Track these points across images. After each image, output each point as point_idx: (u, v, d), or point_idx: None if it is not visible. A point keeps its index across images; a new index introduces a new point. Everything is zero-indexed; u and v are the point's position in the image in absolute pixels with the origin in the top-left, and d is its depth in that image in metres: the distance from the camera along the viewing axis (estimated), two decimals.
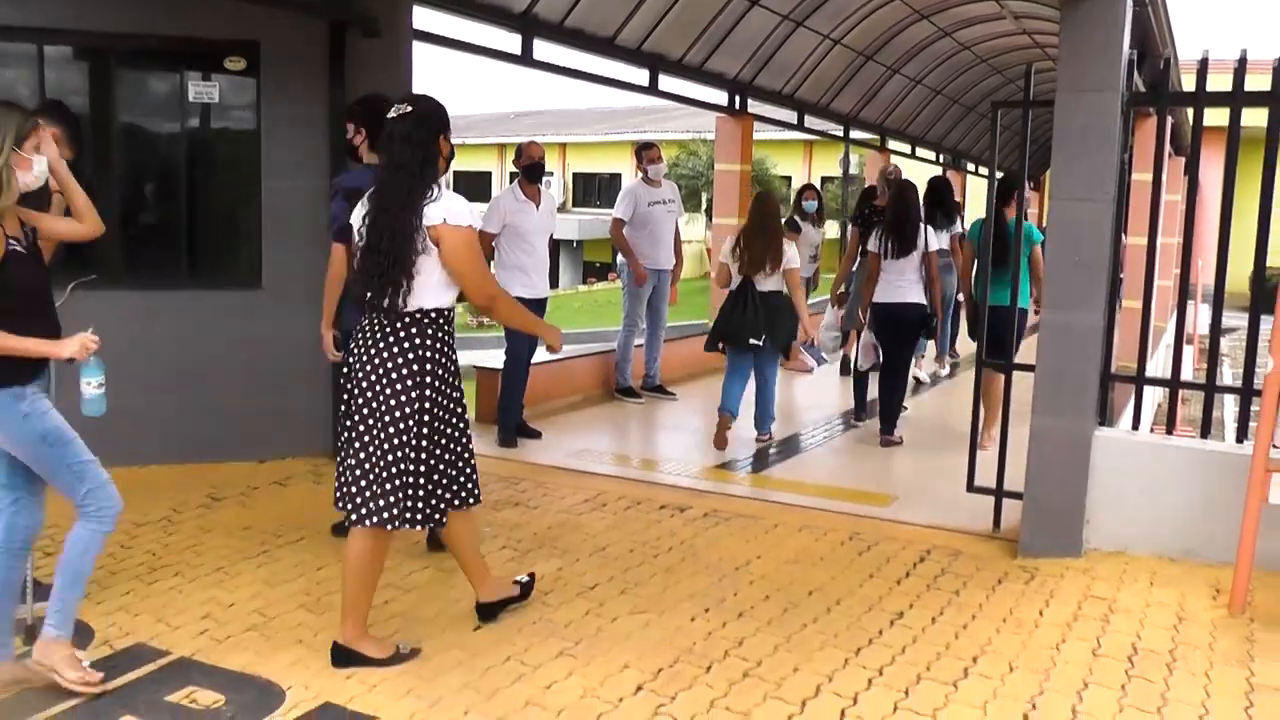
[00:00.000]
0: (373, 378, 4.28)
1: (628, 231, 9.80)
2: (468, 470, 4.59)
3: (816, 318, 10.10)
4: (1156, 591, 5.32)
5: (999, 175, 6.44)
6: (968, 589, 5.37)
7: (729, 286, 8.24)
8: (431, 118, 4.38)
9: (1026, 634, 4.82)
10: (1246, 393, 5.83)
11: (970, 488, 6.39)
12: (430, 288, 4.30)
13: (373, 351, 4.29)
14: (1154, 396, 9.69)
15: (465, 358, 6.58)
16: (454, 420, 4.50)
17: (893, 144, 18.17)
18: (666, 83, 11.29)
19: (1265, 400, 5.04)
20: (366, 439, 4.29)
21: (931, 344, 10.90)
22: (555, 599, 5.12)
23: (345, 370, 4.46)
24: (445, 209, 4.26)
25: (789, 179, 39.41)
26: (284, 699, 4.10)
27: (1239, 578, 5.09)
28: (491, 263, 8.38)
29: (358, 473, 4.31)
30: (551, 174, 45.62)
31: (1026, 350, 6.28)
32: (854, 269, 10.00)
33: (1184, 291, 6.26)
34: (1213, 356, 6.16)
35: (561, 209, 45.27)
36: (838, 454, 8.50)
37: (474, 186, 48.06)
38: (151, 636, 4.61)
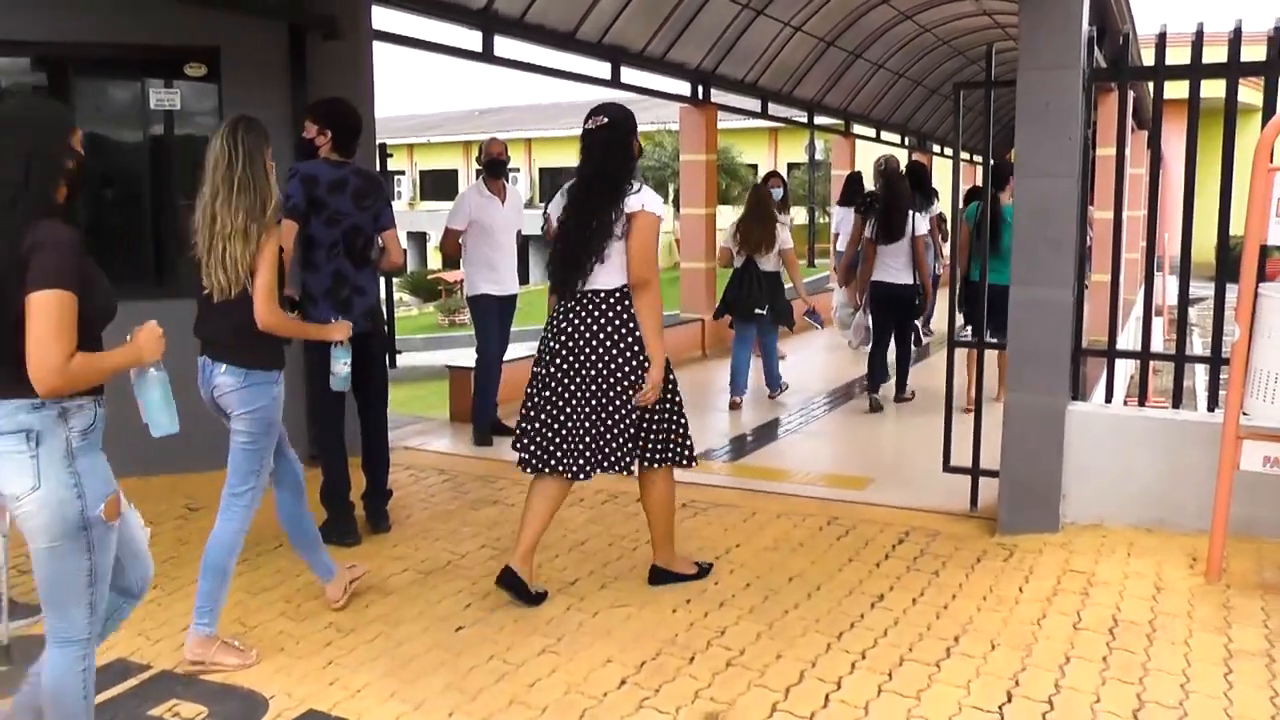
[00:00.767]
0: (591, 351, 4.85)
1: None
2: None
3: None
4: (1134, 562, 5.35)
5: (993, 162, 6.46)
6: (947, 569, 5.39)
7: (731, 266, 9.51)
8: (624, 125, 4.99)
9: (1007, 611, 4.84)
10: (1216, 362, 5.87)
11: (946, 467, 6.41)
12: (620, 269, 4.83)
13: (582, 329, 4.86)
14: (1126, 369, 9.75)
15: (436, 358, 6.54)
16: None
17: (858, 128, 18.23)
18: (629, 75, 11.30)
19: (1233, 368, 5.07)
20: (605, 403, 4.86)
21: None
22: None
23: (544, 354, 4.97)
24: (643, 199, 4.83)
25: (755, 167, 39.46)
26: (267, 708, 4.08)
27: (1214, 545, 5.13)
28: (461, 260, 8.38)
29: (615, 431, 4.88)
30: (518, 170, 45.54)
31: None
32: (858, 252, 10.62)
33: (1151, 264, 6.29)
34: (1181, 327, 6.20)
35: (529, 204, 45.16)
36: (814, 439, 8.52)
37: (439, 184, 48.02)
38: (132, 651, 4.58)
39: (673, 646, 4.53)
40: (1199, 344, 13.34)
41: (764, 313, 9.32)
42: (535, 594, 5.03)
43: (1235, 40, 5.55)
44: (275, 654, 4.53)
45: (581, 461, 4.90)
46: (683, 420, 5.14)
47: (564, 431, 4.93)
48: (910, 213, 9.36)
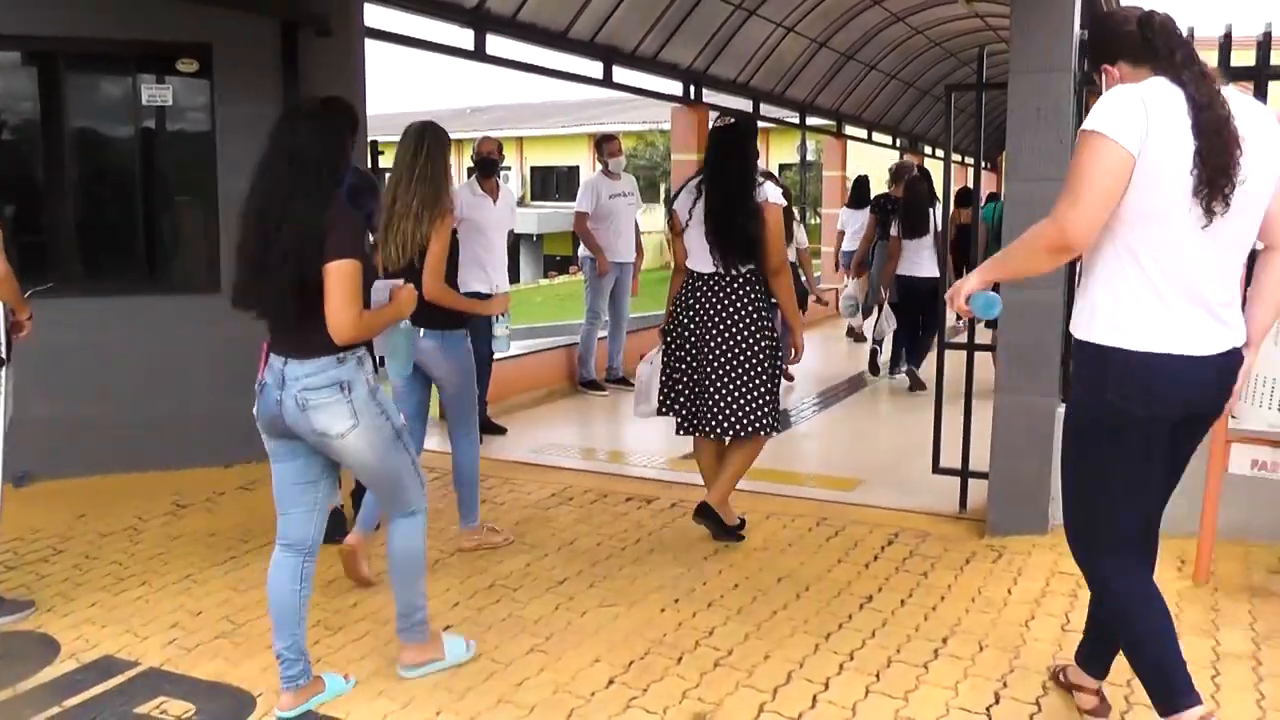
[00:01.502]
0: (735, 323, 5.59)
1: (589, 224, 9.80)
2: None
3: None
4: None
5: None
6: (936, 570, 5.40)
7: None
8: (748, 129, 6.04)
9: (996, 612, 4.85)
10: None
11: (936, 469, 6.42)
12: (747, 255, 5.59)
13: (721, 305, 5.60)
14: None
15: None
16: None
17: (849, 129, 18.24)
18: (621, 74, 11.28)
19: None
20: (738, 372, 5.58)
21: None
22: (524, 594, 5.12)
23: (682, 329, 5.70)
24: (767, 192, 5.59)
25: None
26: (255, 706, 4.07)
27: (1202, 548, 5.14)
28: None
29: (743, 400, 5.58)
30: (509, 168, 45.49)
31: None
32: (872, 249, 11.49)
33: None
34: None
35: (520, 203, 45.14)
36: (805, 439, 8.53)
37: None
38: (119, 648, 4.57)
39: (661, 646, 4.53)
40: None
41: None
42: (733, 527, 5.84)
43: (1225, 45, 5.55)
44: (263, 651, 4.51)
45: (726, 425, 5.63)
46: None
47: (705, 397, 5.65)
48: (931, 211, 10.00)
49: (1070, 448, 3.56)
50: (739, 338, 5.57)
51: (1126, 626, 3.50)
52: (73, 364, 6.79)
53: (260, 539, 5.88)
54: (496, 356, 5.98)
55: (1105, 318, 3.31)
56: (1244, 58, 5.48)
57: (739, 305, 5.58)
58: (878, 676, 4.25)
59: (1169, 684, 3.37)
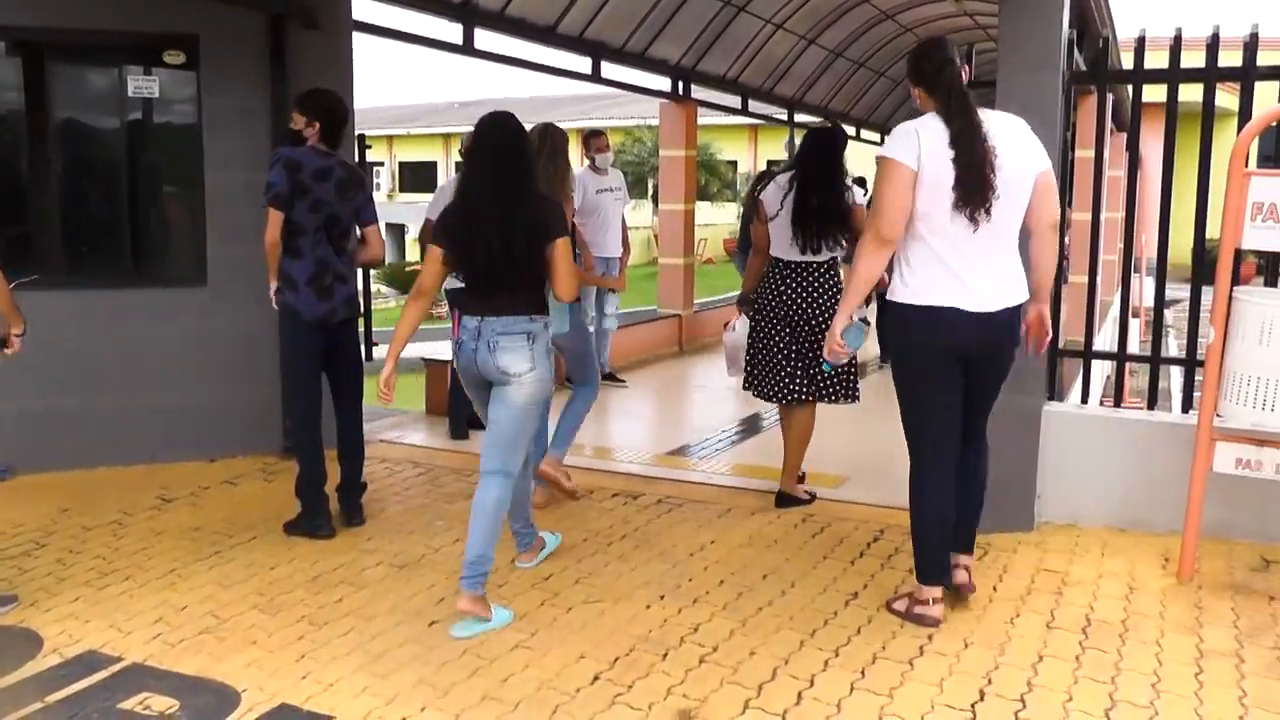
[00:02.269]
0: (825, 303, 6.20)
1: (576, 220, 9.77)
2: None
3: None
4: (1108, 562, 5.38)
5: None
6: None
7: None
8: (845, 137, 6.57)
9: (980, 609, 4.86)
10: (1190, 364, 5.90)
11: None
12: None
13: (817, 289, 6.23)
14: (1102, 369, 9.78)
15: (414, 350, 6.57)
16: None
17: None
18: (609, 70, 11.27)
19: (1208, 370, 5.10)
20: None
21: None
22: (510, 590, 5.11)
23: (767, 310, 6.31)
24: (856, 196, 6.24)
25: (734, 164, 39.47)
26: (239, 702, 4.06)
27: (1187, 546, 5.15)
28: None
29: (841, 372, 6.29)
30: None
31: None
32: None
33: (1128, 265, 6.30)
34: (1157, 329, 6.22)
35: None
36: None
37: (418, 176, 47.86)
38: (103, 643, 4.55)
39: (646, 642, 4.53)
40: (1175, 346, 13.40)
41: None
42: (807, 496, 6.44)
43: (1213, 46, 5.57)
44: (247, 647, 4.50)
45: (804, 395, 6.31)
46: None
47: (792, 370, 6.30)
48: None
49: (896, 378, 4.80)
50: (828, 317, 6.00)
51: (918, 503, 4.75)
52: (56, 357, 6.76)
53: (245, 534, 5.87)
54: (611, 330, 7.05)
55: (909, 284, 4.51)
56: (1232, 58, 5.49)
57: (827, 289, 6.21)
58: (863, 673, 4.25)
59: (931, 559, 4.73)
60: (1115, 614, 4.79)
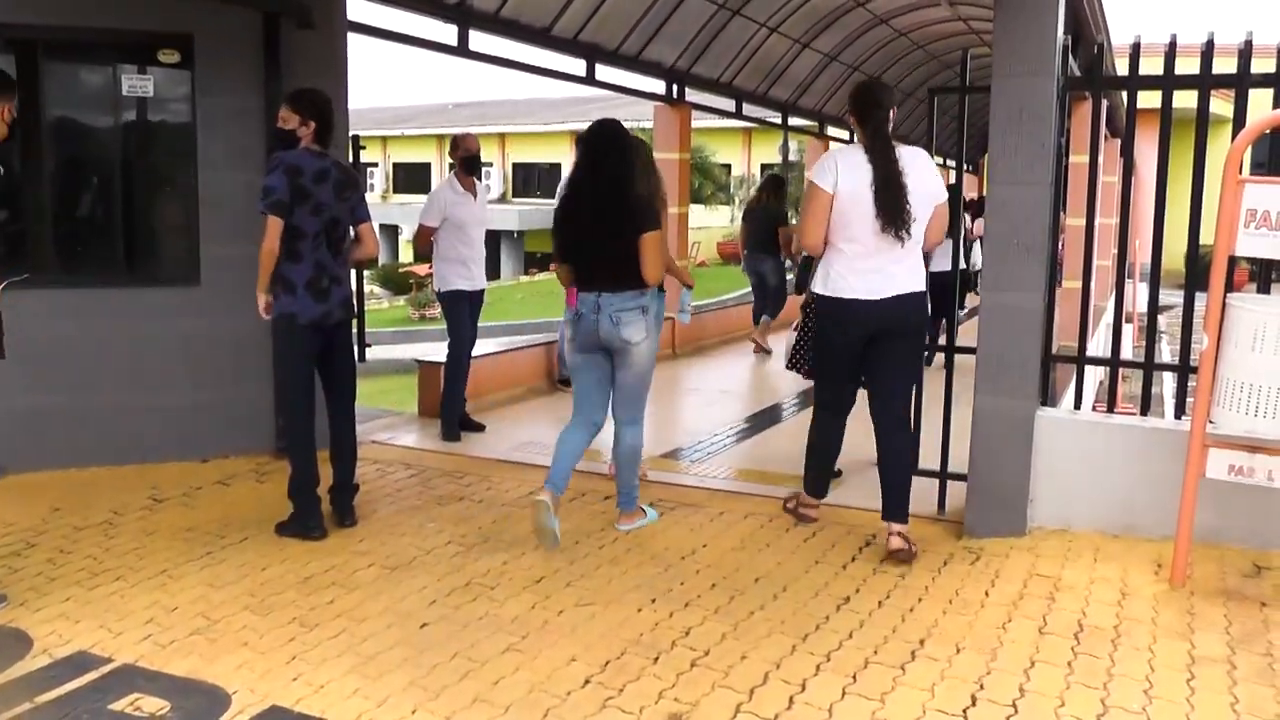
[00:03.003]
0: None
1: None
2: None
3: None
4: (1100, 567, 5.38)
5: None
6: (913, 571, 5.41)
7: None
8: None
9: (973, 614, 4.86)
10: (1184, 370, 5.90)
11: (914, 471, 6.41)
12: None
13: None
14: (1095, 375, 9.80)
15: (407, 351, 6.52)
16: None
17: (831, 130, 18.25)
18: (603, 72, 11.27)
19: (1201, 376, 5.10)
20: None
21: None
22: (501, 593, 5.10)
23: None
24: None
25: (728, 167, 39.53)
26: (230, 704, 4.04)
27: (1179, 551, 5.15)
28: (431, 256, 8.36)
29: None
30: (490, 165, 45.43)
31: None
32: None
33: (1122, 271, 6.31)
34: (1151, 335, 6.23)
35: (502, 199, 45.12)
36: (783, 438, 8.52)
37: (412, 177, 47.89)
38: (93, 644, 4.53)
39: (637, 646, 4.53)
40: (1168, 352, 13.42)
41: None
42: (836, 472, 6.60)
43: (1207, 52, 5.58)
44: (238, 649, 4.49)
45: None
46: None
47: None
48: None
49: (815, 349, 6.04)
50: None
51: (811, 439, 6.07)
52: (48, 355, 6.74)
53: (237, 535, 5.86)
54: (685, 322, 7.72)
55: (827, 280, 5.60)
56: (1226, 65, 5.50)
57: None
58: (854, 678, 4.25)
59: (814, 478, 6.12)
60: (1107, 619, 4.79)
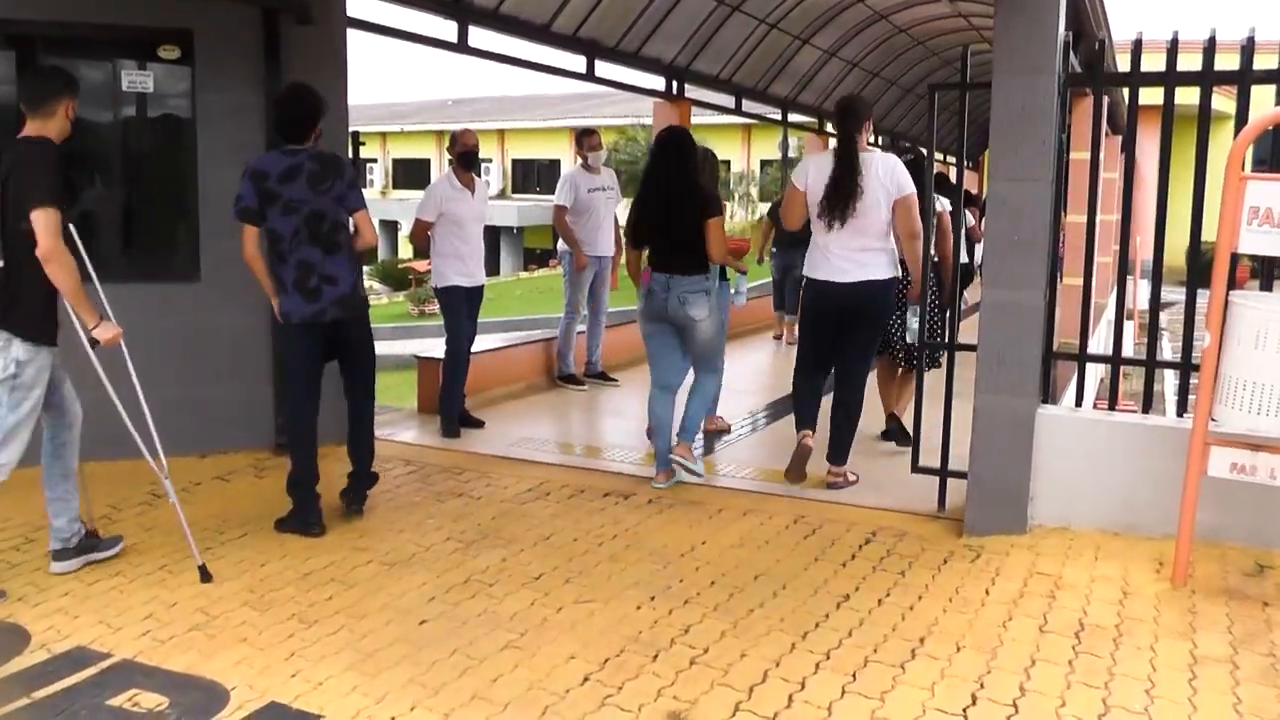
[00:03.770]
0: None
1: (568, 218, 9.77)
2: None
3: None
4: (1101, 566, 5.37)
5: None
6: (914, 569, 5.39)
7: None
8: (922, 159, 7.30)
9: (973, 613, 4.85)
10: (1185, 367, 5.89)
11: (915, 468, 6.42)
12: None
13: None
14: (1096, 372, 9.78)
15: (406, 347, 6.51)
16: None
17: (831, 127, 18.21)
18: (603, 69, 11.23)
19: (1203, 374, 5.09)
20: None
21: None
22: (500, 590, 5.09)
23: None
24: (945, 204, 7.41)
25: (728, 163, 39.46)
26: (228, 700, 4.04)
27: (1180, 550, 5.14)
28: (429, 251, 8.35)
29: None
30: (490, 161, 45.39)
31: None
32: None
33: (1123, 268, 6.29)
34: (1152, 332, 6.21)
35: (501, 195, 45.07)
36: (781, 436, 8.50)
37: (411, 174, 47.83)
38: (92, 639, 4.52)
39: (636, 644, 4.51)
40: (1169, 349, 13.40)
41: None
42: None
43: (1209, 49, 5.56)
44: (237, 645, 4.48)
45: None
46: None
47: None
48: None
49: (799, 322, 7.13)
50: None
51: (793, 389, 7.03)
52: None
53: (236, 530, 5.85)
54: (742, 305, 8.27)
55: (809, 264, 6.78)
56: (1228, 61, 5.48)
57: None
58: (854, 676, 4.24)
59: (801, 416, 6.90)
60: (1109, 618, 4.78)
